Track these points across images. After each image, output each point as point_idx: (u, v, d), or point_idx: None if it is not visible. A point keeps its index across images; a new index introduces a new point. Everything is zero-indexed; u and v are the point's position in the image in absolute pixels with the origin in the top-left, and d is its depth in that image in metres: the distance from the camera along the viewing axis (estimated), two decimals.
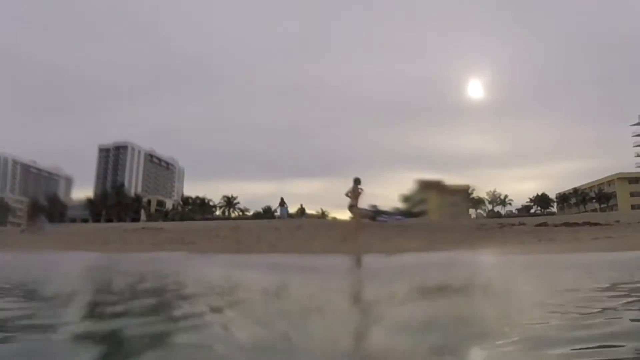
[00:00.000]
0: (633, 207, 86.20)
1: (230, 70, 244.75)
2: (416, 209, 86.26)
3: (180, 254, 14.89)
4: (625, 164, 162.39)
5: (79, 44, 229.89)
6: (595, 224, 27.20)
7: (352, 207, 16.76)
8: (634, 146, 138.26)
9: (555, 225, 27.72)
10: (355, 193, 16.71)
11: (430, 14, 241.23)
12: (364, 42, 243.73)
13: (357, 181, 16.68)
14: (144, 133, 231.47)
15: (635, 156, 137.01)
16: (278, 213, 50.71)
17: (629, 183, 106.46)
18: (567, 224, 28.38)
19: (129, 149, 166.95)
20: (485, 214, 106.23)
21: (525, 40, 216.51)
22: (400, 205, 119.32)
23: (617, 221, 28.57)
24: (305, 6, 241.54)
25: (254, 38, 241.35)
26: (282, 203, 51.12)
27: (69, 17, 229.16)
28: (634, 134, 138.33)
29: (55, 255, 14.98)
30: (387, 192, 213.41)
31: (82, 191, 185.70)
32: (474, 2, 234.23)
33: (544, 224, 29.13)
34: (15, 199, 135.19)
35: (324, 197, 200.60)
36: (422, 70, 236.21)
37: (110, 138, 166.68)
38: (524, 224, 30.69)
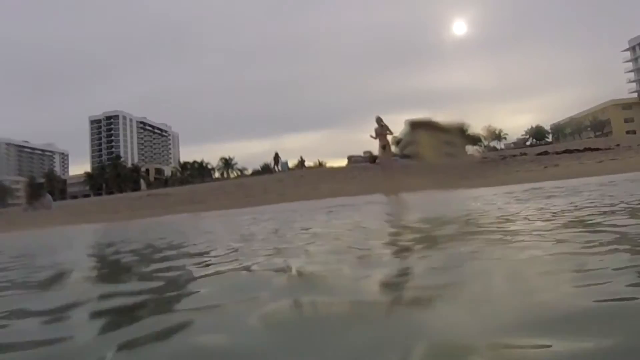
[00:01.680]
0: (628, 132, 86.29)
1: (217, 30, 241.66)
2: (407, 151, 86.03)
3: (212, 212, 14.79)
4: (618, 90, 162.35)
5: (60, 16, 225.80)
6: (596, 149, 27.38)
7: (385, 147, 16.85)
8: (626, 72, 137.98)
9: (557, 153, 27.90)
10: (382, 132, 16.75)
11: None
12: None
13: (379, 120, 16.69)
14: (134, 102, 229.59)
15: (628, 82, 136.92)
16: (279, 167, 50.96)
17: (623, 109, 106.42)
18: (568, 151, 28.55)
19: (120, 118, 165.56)
20: (482, 151, 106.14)
21: None
22: (393, 148, 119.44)
23: (617, 145, 28.76)
24: None
25: None
26: (277, 158, 51.30)
27: None
28: (625, 60, 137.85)
29: (77, 228, 14.92)
30: None
31: (80, 166, 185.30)
32: None
33: (545, 153, 29.33)
34: (13, 180, 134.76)
35: (319, 149, 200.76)
36: (407, 14, 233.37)
37: (100, 110, 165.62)
38: (525, 154, 30.89)
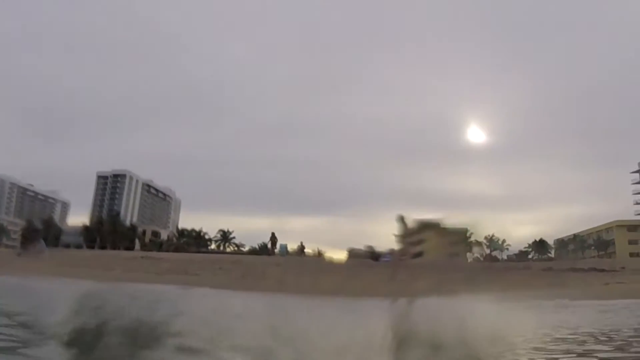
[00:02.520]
0: (632, 254, 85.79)
1: (234, 103, 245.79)
2: (413, 249, 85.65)
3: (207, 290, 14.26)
4: (624, 211, 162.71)
5: (81, 68, 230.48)
6: (602, 270, 26.96)
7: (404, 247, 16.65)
8: (634, 194, 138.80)
9: (562, 271, 27.44)
10: (407, 233, 16.60)
11: (432, 59, 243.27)
12: (367, 84, 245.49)
13: (402, 219, 16.54)
14: (143, 162, 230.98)
15: (635, 204, 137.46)
16: (277, 249, 50.31)
17: (628, 230, 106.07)
18: (573, 269, 28.13)
19: (127, 178, 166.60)
20: (481, 258, 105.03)
21: (525, 86, 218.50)
22: (395, 246, 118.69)
23: (623, 267, 28.36)
24: (310, 45, 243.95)
25: (259, 71, 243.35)
26: (274, 239, 50.77)
27: (70, 41, 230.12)
28: (634, 182, 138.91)
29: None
30: (385, 231, 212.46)
31: (78, 217, 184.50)
32: (476, 48, 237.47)
33: (550, 269, 28.87)
34: (10, 221, 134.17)
35: (319, 235, 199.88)
36: (423, 114, 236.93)
37: (109, 166, 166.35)
38: (529, 268, 30.50)
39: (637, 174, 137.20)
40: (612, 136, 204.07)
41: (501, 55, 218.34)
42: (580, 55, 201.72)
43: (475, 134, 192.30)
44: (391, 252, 78.09)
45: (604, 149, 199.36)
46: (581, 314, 6.29)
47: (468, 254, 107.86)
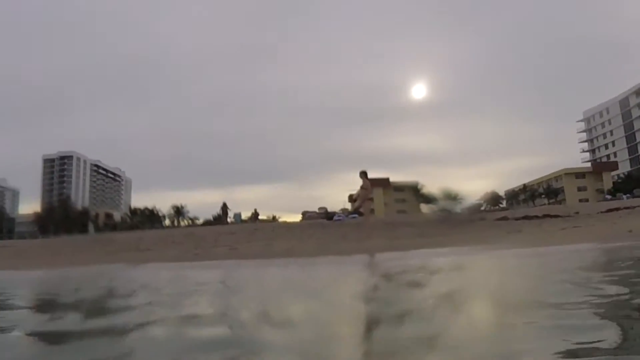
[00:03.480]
0: (580, 200, 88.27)
1: (176, 78, 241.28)
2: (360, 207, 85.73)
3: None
4: (571, 160, 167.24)
5: (18, 51, 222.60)
6: (556, 216, 27.12)
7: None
8: (580, 142, 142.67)
9: (516, 219, 27.50)
10: (368, 187, 16.36)
11: (374, 20, 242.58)
12: (309, 50, 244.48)
13: (365, 174, 16.31)
14: (89, 143, 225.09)
15: (581, 151, 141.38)
16: (231, 218, 49.62)
17: (576, 178, 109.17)
18: (527, 217, 28.23)
19: (74, 159, 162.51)
20: (436, 210, 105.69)
21: (468, 41, 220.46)
22: (347, 205, 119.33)
23: (577, 212, 28.60)
24: (252, 15, 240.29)
25: (200, 45, 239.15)
26: (225, 208, 50.01)
27: (7, 22, 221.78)
28: (579, 130, 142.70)
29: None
30: (335, 192, 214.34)
31: (30, 205, 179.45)
32: (418, 6, 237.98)
33: (505, 218, 28.94)
34: None
35: (271, 203, 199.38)
36: (365, 74, 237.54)
37: (55, 148, 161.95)
38: (483, 218, 30.58)
39: (582, 123, 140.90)
40: (556, 87, 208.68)
41: (447, 11, 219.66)
42: (527, 10, 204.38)
43: (421, 92, 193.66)
44: (343, 211, 79.09)
45: (549, 100, 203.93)
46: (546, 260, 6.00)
47: (422, 207, 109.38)
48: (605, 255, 7.06)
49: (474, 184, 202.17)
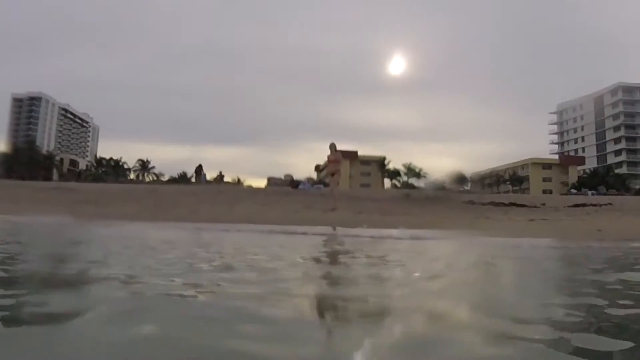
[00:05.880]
0: (544, 191, 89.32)
1: (153, 27, 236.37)
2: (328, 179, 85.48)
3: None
4: (538, 150, 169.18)
5: None
6: (522, 205, 27.14)
7: (334, 175, 16.32)
8: (550, 133, 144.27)
9: (482, 204, 27.46)
10: (338, 159, 16.17)
11: None
12: (289, 13, 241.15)
13: (334, 147, 16.12)
14: (59, 86, 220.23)
15: (550, 143, 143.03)
16: (201, 180, 49.02)
17: (542, 168, 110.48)
18: (493, 203, 28.22)
19: (43, 101, 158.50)
20: (399, 185, 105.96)
21: (448, 20, 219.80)
22: (314, 175, 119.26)
23: (543, 204, 28.66)
24: None
25: None
26: (199, 170, 49.43)
27: None
28: (550, 122, 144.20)
29: None
30: (302, 162, 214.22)
31: None
32: None
33: (471, 202, 28.89)
34: None
35: (237, 165, 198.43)
36: (340, 44, 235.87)
37: (24, 89, 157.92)
38: (449, 199, 30.58)
39: (555, 115, 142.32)
40: (533, 77, 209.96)
41: None
42: None
43: (397, 67, 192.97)
44: (309, 180, 78.95)
45: (524, 89, 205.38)
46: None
47: (386, 180, 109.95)
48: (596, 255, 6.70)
49: (439, 161, 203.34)
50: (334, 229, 11.69)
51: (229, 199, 22.95)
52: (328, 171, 17.16)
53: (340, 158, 16.57)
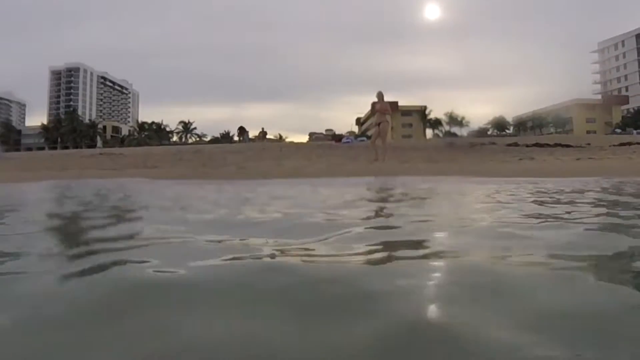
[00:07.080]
0: (588, 132, 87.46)
1: None
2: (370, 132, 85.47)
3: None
4: (582, 91, 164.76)
5: None
6: (567, 146, 26.87)
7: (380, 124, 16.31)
8: (593, 73, 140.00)
9: (527, 146, 27.23)
10: (384, 109, 16.18)
11: None
12: None
13: (382, 95, 16.15)
14: (96, 55, 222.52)
15: (593, 83, 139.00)
16: (244, 140, 49.57)
17: (586, 109, 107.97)
18: (538, 145, 28.00)
19: (81, 71, 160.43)
20: (442, 135, 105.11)
21: None
22: (355, 129, 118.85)
23: (588, 144, 28.31)
24: None
25: None
26: (243, 130, 49.79)
27: None
28: (593, 62, 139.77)
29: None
30: (343, 115, 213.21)
31: (37, 117, 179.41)
32: None
33: (515, 144, 28.67)
34: None
35: (278, 121, 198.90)
36: None
37: (61, 60, 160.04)
38: (494, 143, 30.32)
39: (596, 54, 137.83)
40: (572, 16, 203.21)
41: None
42: None
43: (434, 12, 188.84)
44: (350, 134, 79.15)
45: (564, 28, 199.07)
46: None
47: (428, 131, 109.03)
48: None
49: (481, 108, 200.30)
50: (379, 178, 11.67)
51: (274, 155, 23.26)
52: (375, 121, 17.02)
53: (388, 107, 16.46)
